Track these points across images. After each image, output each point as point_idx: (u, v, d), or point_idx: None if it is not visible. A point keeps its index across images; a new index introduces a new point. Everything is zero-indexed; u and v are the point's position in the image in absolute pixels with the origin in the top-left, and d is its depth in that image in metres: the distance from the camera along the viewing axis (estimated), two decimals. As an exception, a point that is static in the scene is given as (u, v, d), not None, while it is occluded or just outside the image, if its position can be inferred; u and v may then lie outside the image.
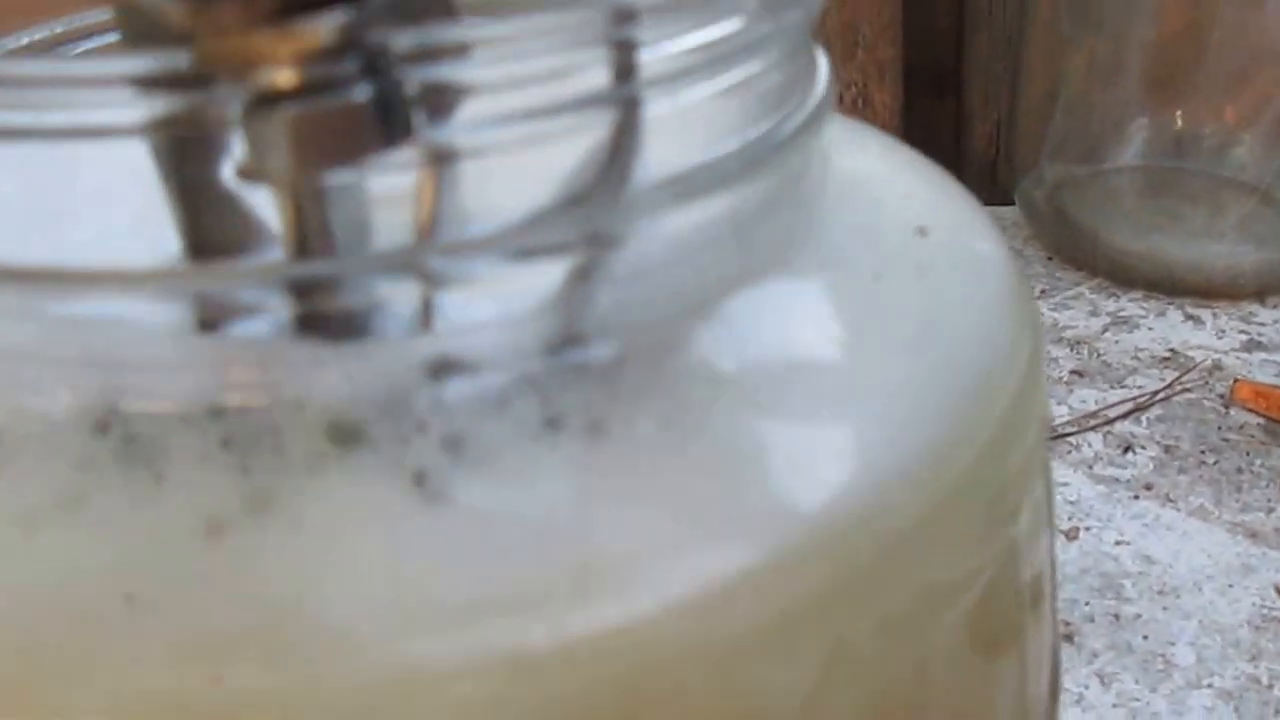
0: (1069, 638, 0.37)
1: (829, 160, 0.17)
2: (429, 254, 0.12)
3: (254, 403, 0.12)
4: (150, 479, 0.12)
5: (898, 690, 0.14)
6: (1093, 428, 0.46)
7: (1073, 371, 0.49)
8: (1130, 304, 0.53)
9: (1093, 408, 0.47)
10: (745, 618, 0.12)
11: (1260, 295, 0.53)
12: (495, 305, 0.13)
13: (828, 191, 0.16)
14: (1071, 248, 0.57)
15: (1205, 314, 0.52)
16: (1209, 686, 0.35)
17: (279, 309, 0.12)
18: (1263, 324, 0.51)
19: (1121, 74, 0.58)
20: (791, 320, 0.14)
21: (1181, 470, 0.43)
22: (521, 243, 0.12)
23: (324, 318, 0.12)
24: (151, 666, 0.11)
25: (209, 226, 0.12)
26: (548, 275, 0.13)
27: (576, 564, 0.12)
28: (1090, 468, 0.44)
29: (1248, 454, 0.44)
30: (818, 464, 0.13)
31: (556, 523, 0.12)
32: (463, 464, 0.12)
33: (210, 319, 0.12)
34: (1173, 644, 0.36)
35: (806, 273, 0.15)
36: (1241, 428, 0.45)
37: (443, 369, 0.12)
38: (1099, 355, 0.50)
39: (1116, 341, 0.51)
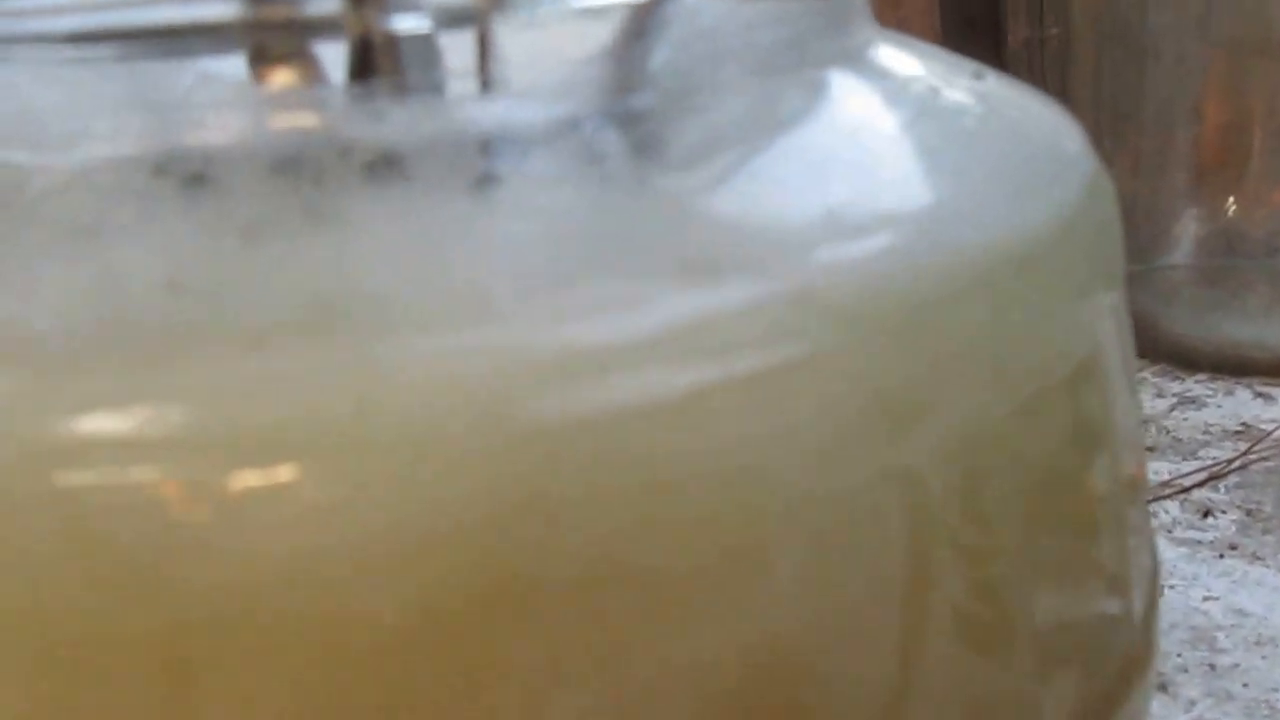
0: (1162, 687, 0.34)
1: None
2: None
3: (307, 140, 0.12)
4: (203, 202, 0.12)
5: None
6: (1168, 495, 0.44)
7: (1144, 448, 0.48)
8: (1196, 385, 0.52)
9: (1166, 478, 0.45)
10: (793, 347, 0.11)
11: (1332, 372, 0.51)
12: (550, 54, 0.13)
13: (882, 37, 0.16)
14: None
15: (1276, 391, 0.51)
16: (1321, 731, 0.32)
17: (331, 48, 0.12)
18: (1338, 399, 0.50)
19: (1168, 169, 0.58)
20: (849, 102, 0.14)
21: (1266, 531, 0.41)
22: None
23: (377, 61, 0.12)
24: (196, 348, 0.11)
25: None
26: (603, 27, 0.13)
27: (621, 262, 0.11)
28: (1169, 532, 0.42)
29: (1336, 513, 0.41)
30: (872, 209, 0.13)
31: (603, 230, 0.12)
32: (511, 183, 0.12)
33: (264, 69, 0.13)
34: (1277, 690, 0.33)
35: (864, 76, 0.15)
36: (1327, 490, 0.43)
37: (495, 104, 0.12)
38: (1169, 432, 0.49)
39: (1185, 419, 0.49)
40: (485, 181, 0.12)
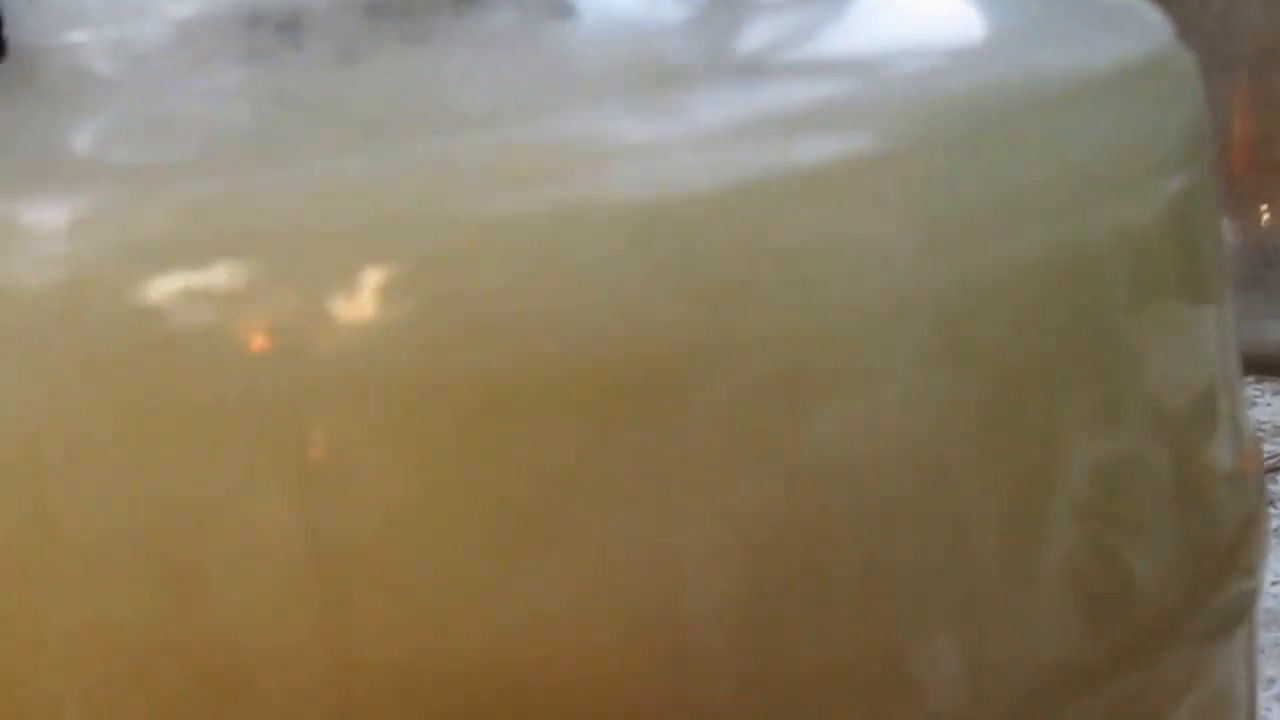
0: (1238, 669, 0.33)
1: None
2: None
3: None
4: (301, 39, 0.12)
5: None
6: (1226, 490, 0.43)
7: (1194, 449, 0.47)
8: (1244, 387, 0.52)
9: (1222, 474, 0.44)
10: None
11: (1382, 368, 0.50)
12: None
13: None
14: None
15: (1325, 390, 0.50)
16: None
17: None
18: (1391, 394, 0.49)
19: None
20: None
21: (1331, 518, 0.40)
22: None
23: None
24: (294, 153, 0.11)
25: None
26: None
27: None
28: (1230, 524, 0.41)
29: (1402, 498, 0.41)
30: (944, 34, 0.13)
31: (687, 46, 0.12)
32: (591, 11, 0.12)
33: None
34: (1357, 666, 0.33)
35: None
36: (1389, 478, 0.42)
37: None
38: (1220, 432, 0.48)
39: (1236, 419, 0.49)
40: (564, 10, 0.12)
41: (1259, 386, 0.52)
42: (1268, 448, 0.46)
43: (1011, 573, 0.12)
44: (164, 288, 0.10)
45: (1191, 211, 0.15)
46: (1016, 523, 0.12)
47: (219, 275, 0.10)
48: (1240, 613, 0.16)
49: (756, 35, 0.12)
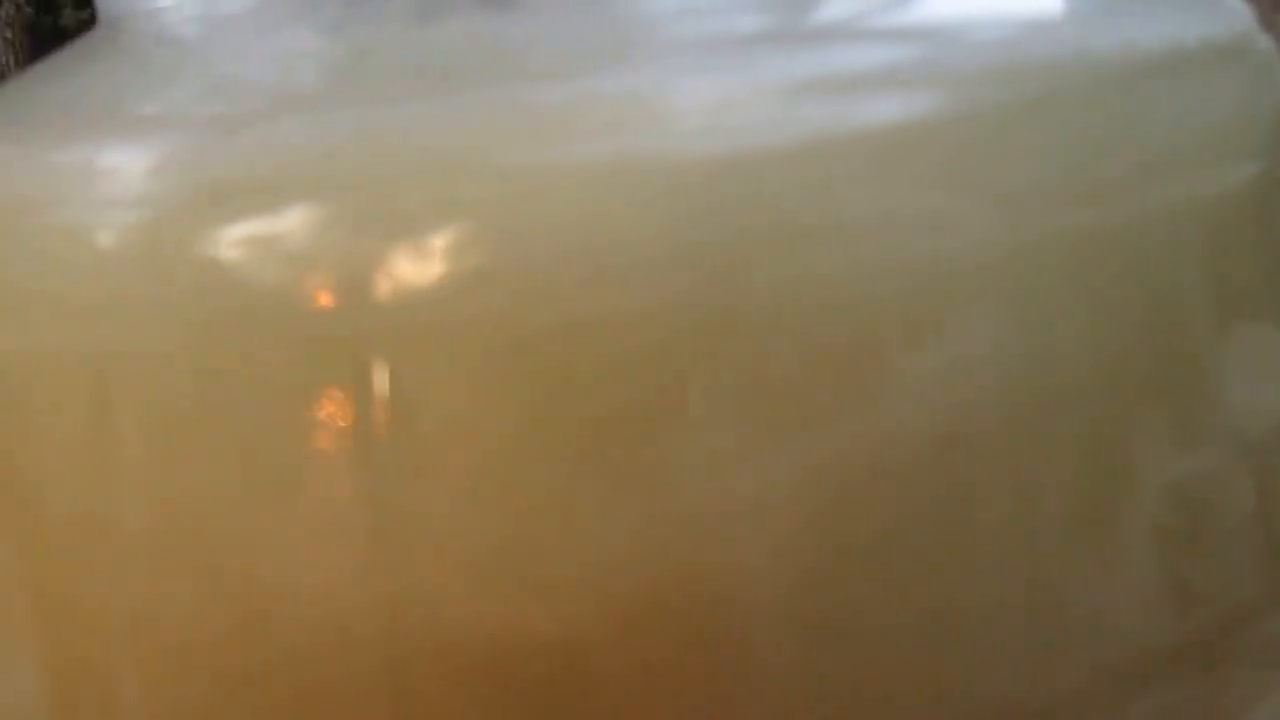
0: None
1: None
2: None
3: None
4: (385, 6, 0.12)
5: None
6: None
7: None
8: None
9: None
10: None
11: None
12: None
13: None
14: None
15: None
16: None
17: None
18: None
19: None
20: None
21: None
22: None
23: None
24: (365, 103, 0.11)
25: None
26: None
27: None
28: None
29: None
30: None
31: (760, 6, 0.12)
32: None
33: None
34: None
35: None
36: None
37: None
38: None
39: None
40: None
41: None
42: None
43: (1080, 552, 0.11)
44: (234, 228, 0.10)
45: (1270, 200, 0.14)
46: (1088, 498, 0.11)
47: (288, 217, 0.10)
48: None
49: (832, 3, 0.12)
